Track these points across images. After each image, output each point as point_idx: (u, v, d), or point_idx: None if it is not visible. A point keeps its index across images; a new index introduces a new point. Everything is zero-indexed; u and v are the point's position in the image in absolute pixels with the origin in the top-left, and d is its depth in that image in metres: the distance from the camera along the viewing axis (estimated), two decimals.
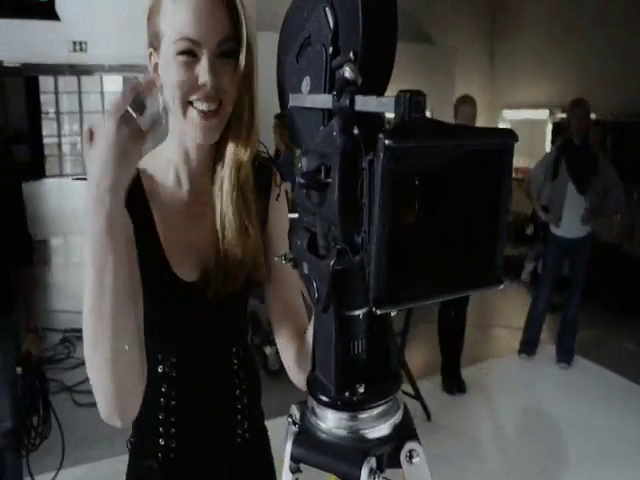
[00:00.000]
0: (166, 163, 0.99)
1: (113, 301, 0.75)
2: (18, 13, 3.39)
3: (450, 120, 3.91)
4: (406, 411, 0.73)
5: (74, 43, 5.29)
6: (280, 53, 0.75)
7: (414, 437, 0.69)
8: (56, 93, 13.34)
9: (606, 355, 4.37)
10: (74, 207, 10.39)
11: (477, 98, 9.05)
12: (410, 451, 0.68)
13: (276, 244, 1.04)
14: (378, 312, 0.48)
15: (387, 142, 0.43)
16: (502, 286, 0.54)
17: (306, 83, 0.66)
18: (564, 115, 5.19)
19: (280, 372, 3.66)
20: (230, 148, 0.94)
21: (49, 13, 3.36)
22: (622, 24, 6.73)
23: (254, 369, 1.13)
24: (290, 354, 1.01)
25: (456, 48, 8.21)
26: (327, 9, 0.60)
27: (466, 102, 3.64)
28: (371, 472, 0.63)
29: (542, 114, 8.43)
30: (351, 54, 0.55)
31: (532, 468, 3.11)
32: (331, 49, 0.59)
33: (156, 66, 0.91)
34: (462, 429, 3.46)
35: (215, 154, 0.98)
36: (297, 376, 1.01)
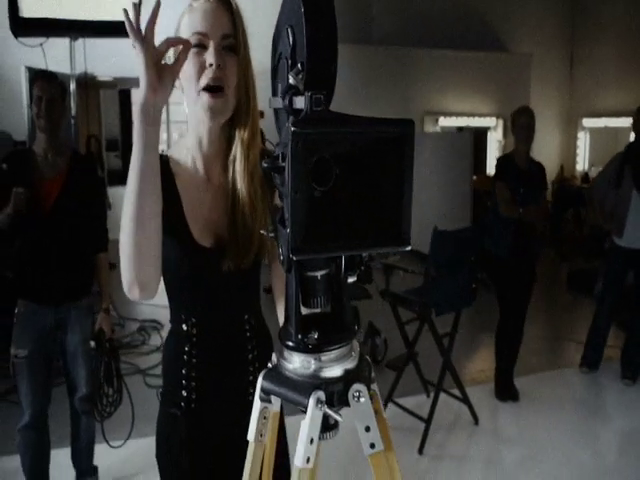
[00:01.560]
0: (186, 152, 1.21)
1: (150, 187, 0.97)
2: (106, 33, 3.80)
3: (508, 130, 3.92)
4: (364, 362, 0.87)
5: None
6: (271, 65, 0.92)
7: (363, 381, 0.83)
8: None
9: None
10: None
11: (554, 107, 8.87)
12: (358, 391, 0.82)
13: None
14: (294, 258, 0.64)
15: (292, 129, 0.59)
16: (408, 248, 0.68)
17: (280, 87, 0.82)
18: None
19: (383, 360, 4.12)
20: (238, 135, 1.15)
21: None
22: None
23: (266, 336, 1.30)
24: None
25: (531, 55, 8.07)
26: (289, 30, 0.76)
27: (523, 112, 3.65)
28: (318, 402, 0.78)
29: (625, 122, 8.11)
30: (299, 65, 0.71)
31: None
32: (290, 61, 0.75)
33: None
34: (509, 436, 3.46)
35: (225, 144, 1.18)
36: None
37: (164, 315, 5.75)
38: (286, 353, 0.84)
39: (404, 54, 7.16)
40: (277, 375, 0.84)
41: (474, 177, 6.70)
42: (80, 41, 4.15)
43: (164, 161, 1.18)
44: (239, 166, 1.15)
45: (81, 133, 5.39)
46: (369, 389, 0.84)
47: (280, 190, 0.79)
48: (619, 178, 3.93)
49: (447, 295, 3.31)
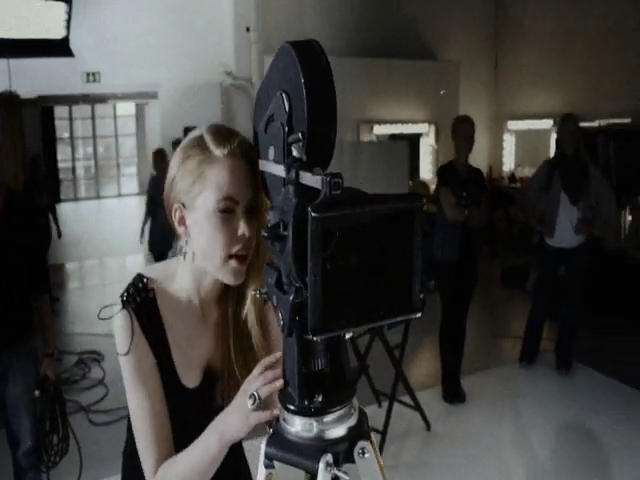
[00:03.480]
0: (179, 289, 1.13)
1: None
2: (34, 53, 3.61)
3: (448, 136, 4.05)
4: (362, 414, 0.88)
5: (87, 74, 5.52)
6: (254, 122, 0.91)
7: (366, 437, 0.84)
8: (70, 119, 13.71)
9: (605, 362, 4.45)
10: (89, 231, 10.55)
11: (481, 110, 9.24)
12: (362, 448, 0.82)
13: (275, 335, 1.17)
14: (314, 338, 0.63)
15: (313, 214, 0.59)
16: (419, 315, 0.70)
17: (271, 152, 0.82)
18: None
19: None
20: (249, 290, 1.10)
21: (64, 51, 3.57)
22: (625, 32, 6.85)
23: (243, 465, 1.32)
24: None
25: (459, 62, 8.37)
26: (283, 95, 0.76)
27: (465, 122, 3.79)
28: (327, 465, 0.78)
29: (546, 124, 8.53)
30: (299, 134, 0.71)
31: (531, 476, 3.21)
32: (287, 128, 0.75)
33: (182, 219, 1.05)
34: (461, 438, 3.56)
35: (224, 287, 1.13)
36: None
37: (104, 345, 5.45)
38: (287, 416, 0.84)
39: (337, 63, 7.18)
40: (280, 440, 0.84)
41: (410, 183, 6.88)
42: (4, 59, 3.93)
43: (150, 299, 1.10)
44: (249, 322, 1.13)
45: (4, 154, 5.12)
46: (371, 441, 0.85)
47: (278, 257, 0.79)
48: (548, 182, 4.15)
49: None
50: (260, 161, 0.85)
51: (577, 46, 7.59)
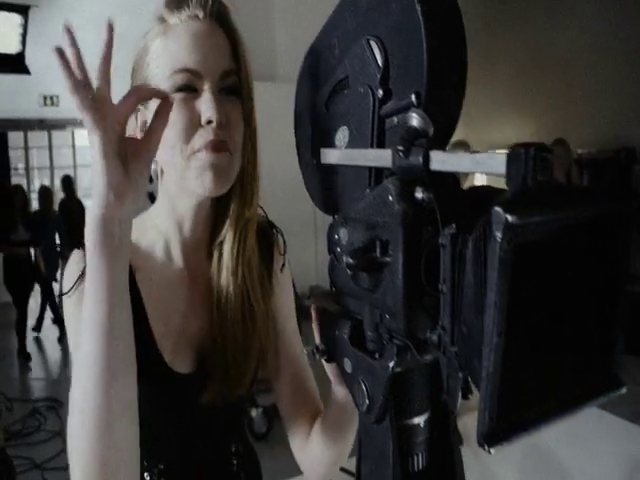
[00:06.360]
0: (154, 234, 0.81)
1: (123, 346, 0.59)
2: None
3: None
4: None
5: (44, 97, 5.10)
6: (298, 104, 0.63)
7: None
8: (26, 148, 13.11)
9: None
10: None
11: (451, 140, 9.25)
12: None
13: (281, 323, 0.90)
14: (492, 451, 0.35)
15: (510, 218, 0.30)
16: (624, 390, 0.42)
17: (342, 135, 0.53)
18: None
19: (267, 435, 3.39)
20: (233, 211, 0.78)
21: (19, 67, 3.20)
22: (593, 61, 6.92)
23: (256, 465, 0.96)
24: (301, 441, 0.88)
25: None
26: (372, 42, 0.48)
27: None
28: None
29: None
30: (413, 97, 0.43)
31: None
32: (381, 92, 0.47)
33: (143, 126, 0.74)
34: None
35: (213, 223, 0.81)
36: (305, 461, 0.89)
37: (61, 390, 4.93)
38: None
39: None
40: None
41: None
42: None
43: None
44: (228, 259, 0.79)
45: None
46: None
47: (364, 296, 0.50)
48: None
49: None
50: (322, 150, 0.56)
51: (546, 77, 7.66)
